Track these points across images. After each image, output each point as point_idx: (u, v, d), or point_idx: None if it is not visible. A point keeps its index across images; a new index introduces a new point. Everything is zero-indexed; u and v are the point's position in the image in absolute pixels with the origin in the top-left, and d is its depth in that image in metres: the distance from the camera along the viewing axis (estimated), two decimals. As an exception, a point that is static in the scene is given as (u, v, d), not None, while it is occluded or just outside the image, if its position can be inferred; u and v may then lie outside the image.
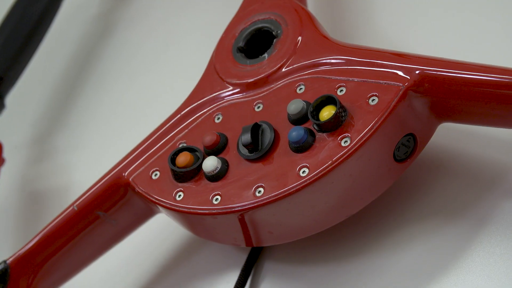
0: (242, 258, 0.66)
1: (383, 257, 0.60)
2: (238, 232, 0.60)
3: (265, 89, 0.61)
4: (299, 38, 0.62)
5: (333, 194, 0.56)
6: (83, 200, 0.64)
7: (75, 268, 0.66)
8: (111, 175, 0.64)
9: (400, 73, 0.56)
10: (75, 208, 0.64)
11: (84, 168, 0.82)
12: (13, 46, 0.83)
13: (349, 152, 0.55)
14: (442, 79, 0.54)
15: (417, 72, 0.55)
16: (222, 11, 0.83)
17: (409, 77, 0.55)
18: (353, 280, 0.61)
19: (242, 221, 0.58)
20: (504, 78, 0.52)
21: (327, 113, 0.56)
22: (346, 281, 0.61)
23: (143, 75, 0.85)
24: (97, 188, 0.64)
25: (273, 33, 0.64)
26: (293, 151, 0.57)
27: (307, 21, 0.63)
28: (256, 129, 0.58)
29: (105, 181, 0.64)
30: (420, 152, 0.58)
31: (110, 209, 0.64)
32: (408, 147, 0.57)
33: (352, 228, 0.62)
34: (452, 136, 0.62)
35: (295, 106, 0.58)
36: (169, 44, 0.86)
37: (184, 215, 0.60)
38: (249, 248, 0.65)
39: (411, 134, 0.57)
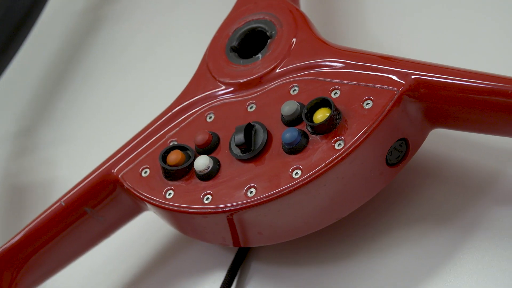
0: (228, 258, 0.65)
1: (371, 261, 0.61)
2: (227, 232, 0.60)
3: (258, 89, 0.61)
4: (294, 39, 0.62)
5: (325, 196, 0.56)
6: (70, 195, 0.63)
7: (60, 264, 0.66)
8: (100, 171, 0.63)
9: (395, 77, 0.56)
10: (63, 204, 0.63)
11: (69, 163, 0.81)
12: (-1, 39, 0.82)
13: (343, 155, 0.55)
14: (437, 85, 0.55)
15: (412, 77, 0.55)
16: (213, 8, 0.83)
17: (404, 82, 0.55)
18: (341, 283, 0.61)
19: (232, 221, 0.58)
20: (500, 86, 0.53)
21: (321, 115, 0.56)
22: (334, 284, 0.61)
23: (131, 72, 0.85)
24: (85, 184, 0.63)
25: (267, 33, 0.64)
26: (286, 153, 0.57)
27: (302, 23, 0.63)
28: (249, 129, 0.58)
29: (93, 177, 0.63)
30: (412, 156, 0.58)
31: (97, 205, 0.63)
32: (400, 152, 0.57)
33: (341, 230, 0.62)
34: (442, 142, 0.62)
35: (289, 107, 0.58)
36: (158, 41, 0.86)
37: (174, 214, 0.60)
38: (235, 248, 0.65)
39: (404, 139, 0.57)
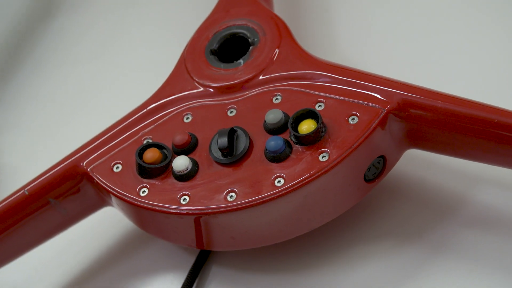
0: (186, 259, 0.65)
1: (335, 273, 0.62)
2: (198, 234, 0.60)
3: (239, 95, 0.62)
4: (278, 48, 0.63)
5: (304, 206, 0.57)
6: (35, 184, 0.62)
7: (13, 254, 0.64)
8: (68, 163, 0.62)
9: (381, 96, 0.57)
10: (26, 192, 0.62)
11: (16, 151, 0.79)
12: None
13: (327, 167, 0.56)
14: (425, 107, 0.56)
15: (400, 97, 0.57)
16: (174, 4, 0.83)
17: (390, 101, 0.57)
18: (299, 293, 0.62)
19: (208, 223, 0.58)
20: (487, 115, 0.55)
21: (306, 126, 0.57)
22: (292, 293, 0.62)
23: (87, 63, 0.83)
24: (51, 174, 0.62)
25: (249, 40, 0.64)
26: (268, 160, 0.57)
27: (286, 33, 0.64)
28: (231, 134, 0.59)
29: (60, 168, 0.62)
30: (387, 174, 0.59)
31: (61, 196, 0.62)
32: (377, 168, 0.59)
33: (307, 241, 0.63)
34: (412, 162, 0.64)
35: (273, 115, 0.58)
36: (117, 34, 0.85)
37: (145, 211, 0.59)
38: (195, 250, 0.65)
39: (382, 156, 0.58)
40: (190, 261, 0.65)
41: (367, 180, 0.59)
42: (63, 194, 0.62)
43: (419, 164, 0.64)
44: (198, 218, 0.58)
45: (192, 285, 0.63)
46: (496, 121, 0.54)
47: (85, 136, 0.66)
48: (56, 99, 0.81)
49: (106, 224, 0.69)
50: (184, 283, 0.63)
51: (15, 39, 0.88)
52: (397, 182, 0.64)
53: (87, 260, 0.68)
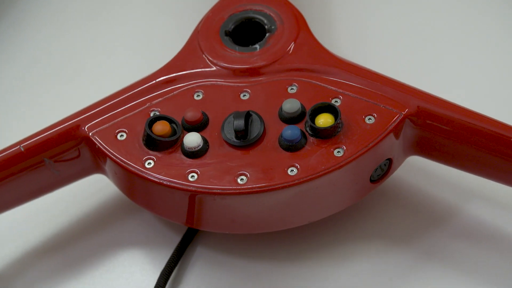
0: (169, 237, 0.65)
1: (320, 266, 0.63)
2: (193, 211, 0.59)
3: (254, 80, 0.62)
4: (296, 39, 0.63)
5: (311, 198, 0.58)
6: (32, 142, 0.61)
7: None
8: (68, 124, 0.61)
9: (399, 101, 0.58)
10: (22, 149, 0.60)
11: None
12: None
13: (342, 163, 0.56)
14: (440, 117, 0.58)
15: (418, 104, 0.58)
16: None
17: (408, 107, 0.58)
18: (283, 283, 0.62)
19: (212, 203, 0.58)
20: (503, 132, 0.56)
21: (322, 120, 0.58)
22: (279, 282, 0.62)
23: (75, 27, 0.81)
24: (50, 133, 0.61)
25: (266, 27, 0.64)
26: (282, 148, 0.58)
27: (304, 25, 0.64)
28: (247, 117, 0.58)
29: (60, 128, 0.61)
30: (389, 176, 0.61)
31: (56, 157, 0.61)
32: (382, 170, 0.60)
33: (295, 232, 0.63)
34: (410, 168, 0.65)
35: (291, 105, 0.59)
36: (101, 6, 0.83)
37: (147, 183, 0.58)
38: (179, 227, 0.64)
39: (389, 159, 0.59)
40: (173, 238, 0.65)
41: (372, 180, 0.60)
42: (59, 154, 0.61)
43: (416, 171, 0.65)
44: (204, 197, 0.57)
45: (176, 264, 0.63)
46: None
47: (67, 102, 0.64)
48: (37, 62, 0.78)
49: (88, 191, 0.68)
50: (168, 261, 0.63)
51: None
52: (392, 186, 0.65)
53: (65, 225, 0.67)
